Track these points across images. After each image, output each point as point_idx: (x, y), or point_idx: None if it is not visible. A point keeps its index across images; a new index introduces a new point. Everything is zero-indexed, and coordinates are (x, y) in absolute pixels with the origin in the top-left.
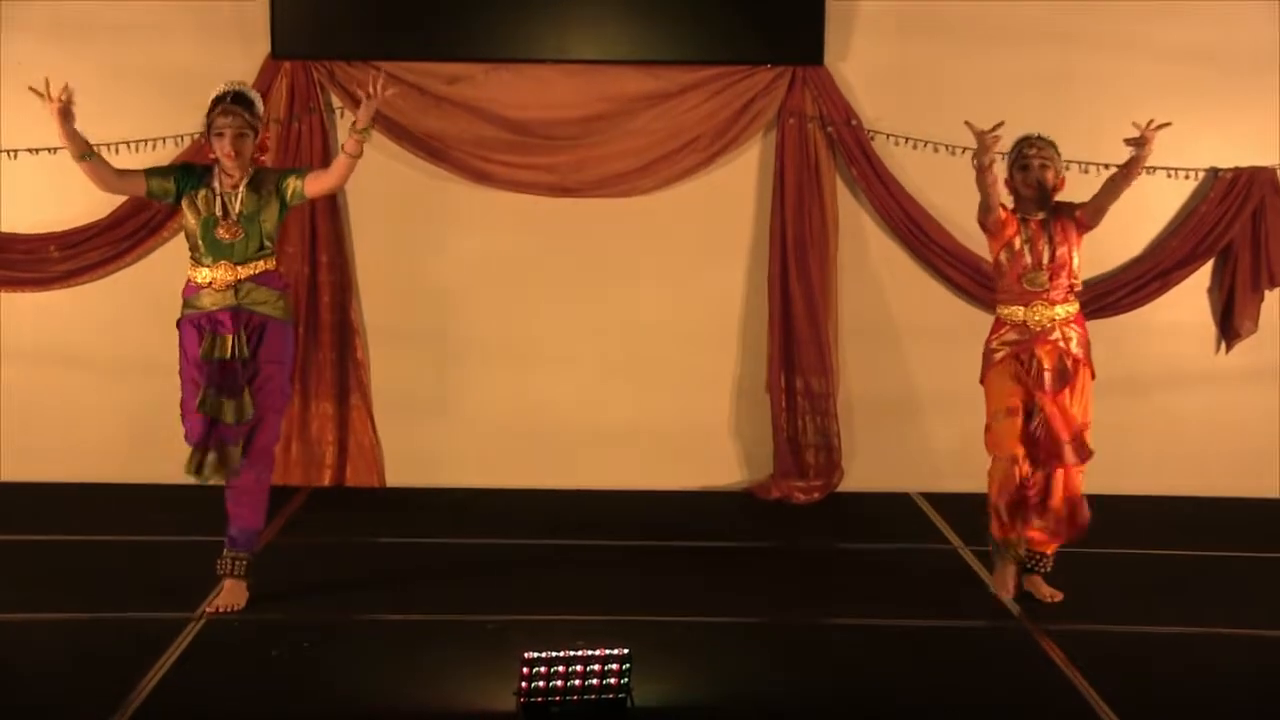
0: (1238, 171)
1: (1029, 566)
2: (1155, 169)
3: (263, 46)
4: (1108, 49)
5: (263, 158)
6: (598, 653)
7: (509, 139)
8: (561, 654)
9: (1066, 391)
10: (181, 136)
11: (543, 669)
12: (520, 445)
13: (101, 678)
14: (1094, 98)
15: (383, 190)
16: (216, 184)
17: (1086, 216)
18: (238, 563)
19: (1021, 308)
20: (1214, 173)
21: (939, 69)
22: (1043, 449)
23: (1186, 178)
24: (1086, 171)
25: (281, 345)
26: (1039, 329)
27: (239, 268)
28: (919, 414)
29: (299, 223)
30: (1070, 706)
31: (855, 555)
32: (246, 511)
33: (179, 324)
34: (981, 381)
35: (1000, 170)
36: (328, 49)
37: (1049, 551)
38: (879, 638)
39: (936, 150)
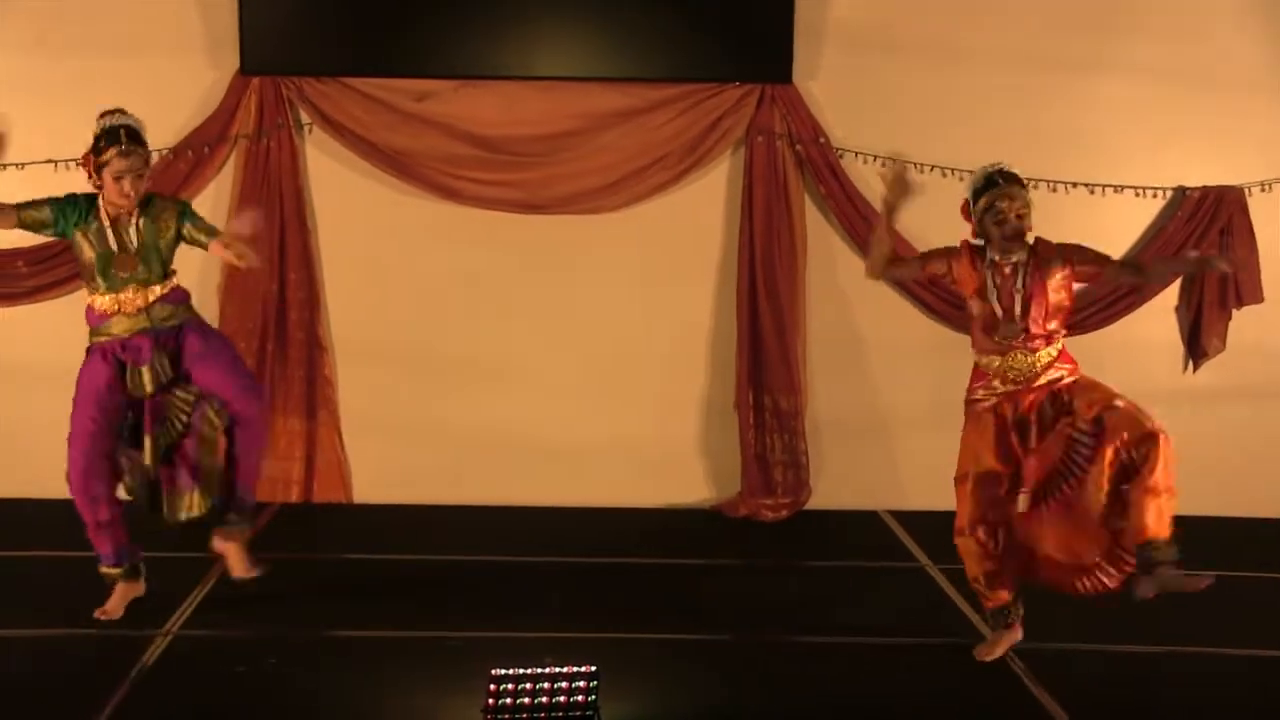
0: (1205, 190)
1: (1145, 563)
2: (1123, 188)
3: (232, 62)
4: (1076, 68)
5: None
6: (565, 670)
7: (477, 155)
8: (529, 672)
9: (1079, 413)
10: (151, 152)
11: (510, 686)
12: (488, 461)
13: (67, 695)
14: (1063, 116)
15: (351, 207)
16: (105, 215)
17: (1092, 272)
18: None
19: (998, 357)
20: (1182, 191)
21: (908, 88)
22: (1014, 557)
23: (1154, 196)
24: (1054, 190)
25: (206, 334)
26: (1020, 378)
27: (147, 290)
28: (887, 432)
29: (268, 239)
30: None
31: (823, 573)
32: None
33: (89, 350)
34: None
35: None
36: (297, 65)
37: (1149, 536)
38: (846, 656)
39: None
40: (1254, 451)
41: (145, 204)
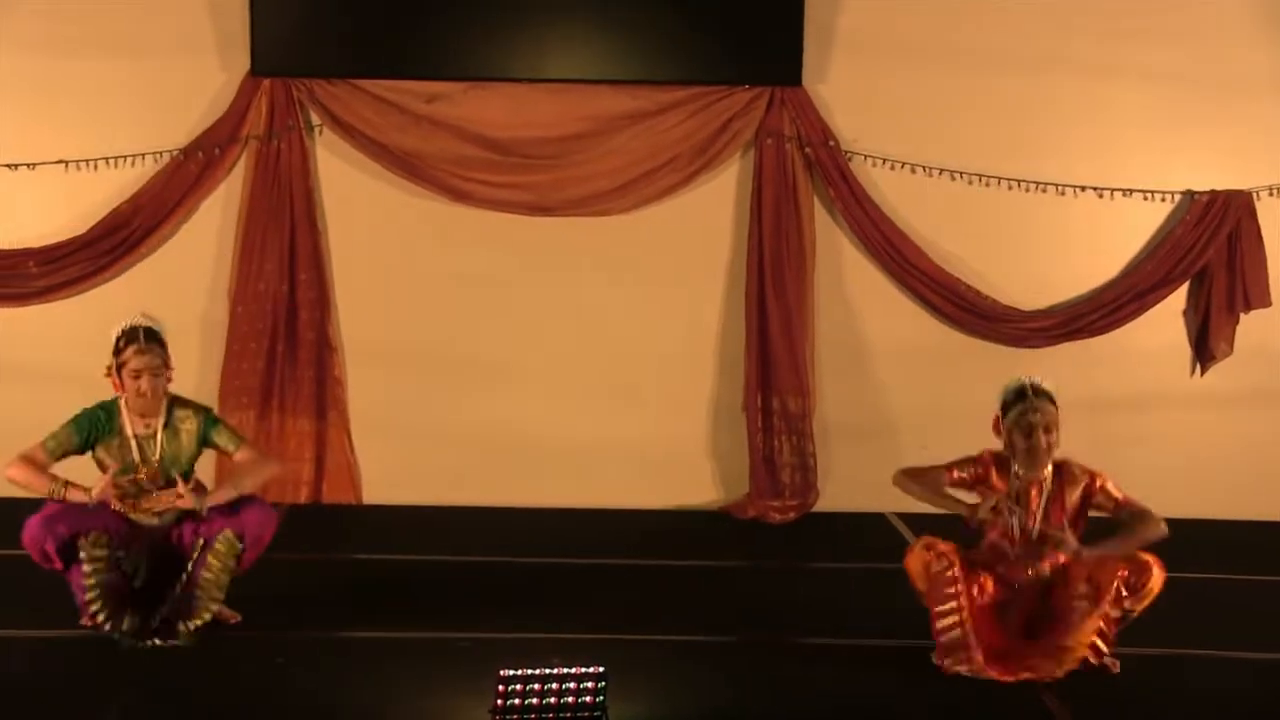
0: (1213, 195)
1: None
2: (1132, 191)
3: (242, 63)
4: (1084, 72)
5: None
6: (573, 671)
7: (487, 158)
8: (537, 672)
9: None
10: (160, 153)
11: (518, 687)
12: (497, 463)
13: (74, 695)
14: (1071, 121)
15: (361, 208)
16: (129, 428)
17: (1107, 508)
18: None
19: (1001, 565)
20: (1190, 196)
21: (917, 91)
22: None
23: (1163, 200)
24: (1063, 194)
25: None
26: (1018, 582)
27: (160, 501)
28: (895, 434)
29: (278, 241)
30: None
31: (830, 575)
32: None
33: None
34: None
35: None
36: (307, 67)
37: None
38: (853, 658)
39: (914, 172)
40: (1262, 455)
41: (169, 415)
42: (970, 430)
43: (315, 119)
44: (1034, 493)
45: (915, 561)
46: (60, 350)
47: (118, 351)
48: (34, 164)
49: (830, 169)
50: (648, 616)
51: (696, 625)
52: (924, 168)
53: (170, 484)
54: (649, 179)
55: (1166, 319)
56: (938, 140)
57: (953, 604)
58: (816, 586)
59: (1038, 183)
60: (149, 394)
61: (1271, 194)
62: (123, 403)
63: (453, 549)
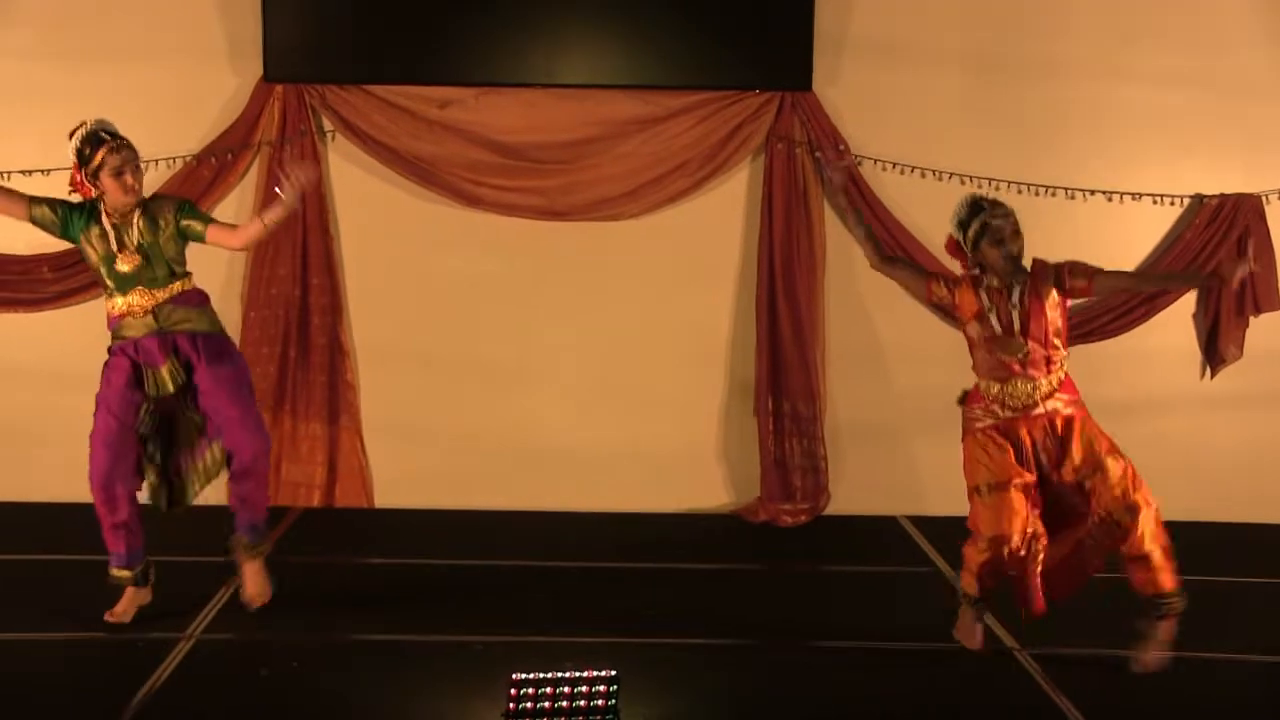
0: (1223, 198)
1: (1158, 615)
2: (1141, 195)
3: (255, 69)
4: (1093, 76)
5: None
6: (585, 674)
7: (499, 162)
8: (549, 675)
9: (1069, 461)
10: (174, 159)
11: (530, 690)
12: (509, 467)
13: (91, 698)
14: (1080, 124)
15: (374, 213)
16: (105, 220)
17: (1083, 285)
18: (251, 548)
19: (998, 383)
20: (1199, 199)
21: (926, 95)
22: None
23: (1172, 204)
24: (1073, 198)
25: (218, 345)
26: (1020, 405)
27: (155, 292)
28: (905, 437)
29: (291, 245)
30: None
31: (842, 578)
32: (246, 514)
33: (110, 350)
34: (962, 443)
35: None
36: (320, 72)
37: (1165, 589)
38: (865, 660)
39: (923, 176)
40: (1273, 458)
41: (145, 205)
42: None
43: (327, 124)
44: (1005, 294)
45: (975, 556)
46: (74, 356)
47: (87, 159)
48: (49, 170)
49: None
50: (659, 620)
51: (708, 628)
52: (934, 172)
53: (152, 275)
54: (660, 184)
55: (1176, 322)
56: (947, 144)
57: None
58: (828, 589)
59: (1047, 186)
60: (136, 188)
61: None
62: (102, 201)
63: (465, 553)
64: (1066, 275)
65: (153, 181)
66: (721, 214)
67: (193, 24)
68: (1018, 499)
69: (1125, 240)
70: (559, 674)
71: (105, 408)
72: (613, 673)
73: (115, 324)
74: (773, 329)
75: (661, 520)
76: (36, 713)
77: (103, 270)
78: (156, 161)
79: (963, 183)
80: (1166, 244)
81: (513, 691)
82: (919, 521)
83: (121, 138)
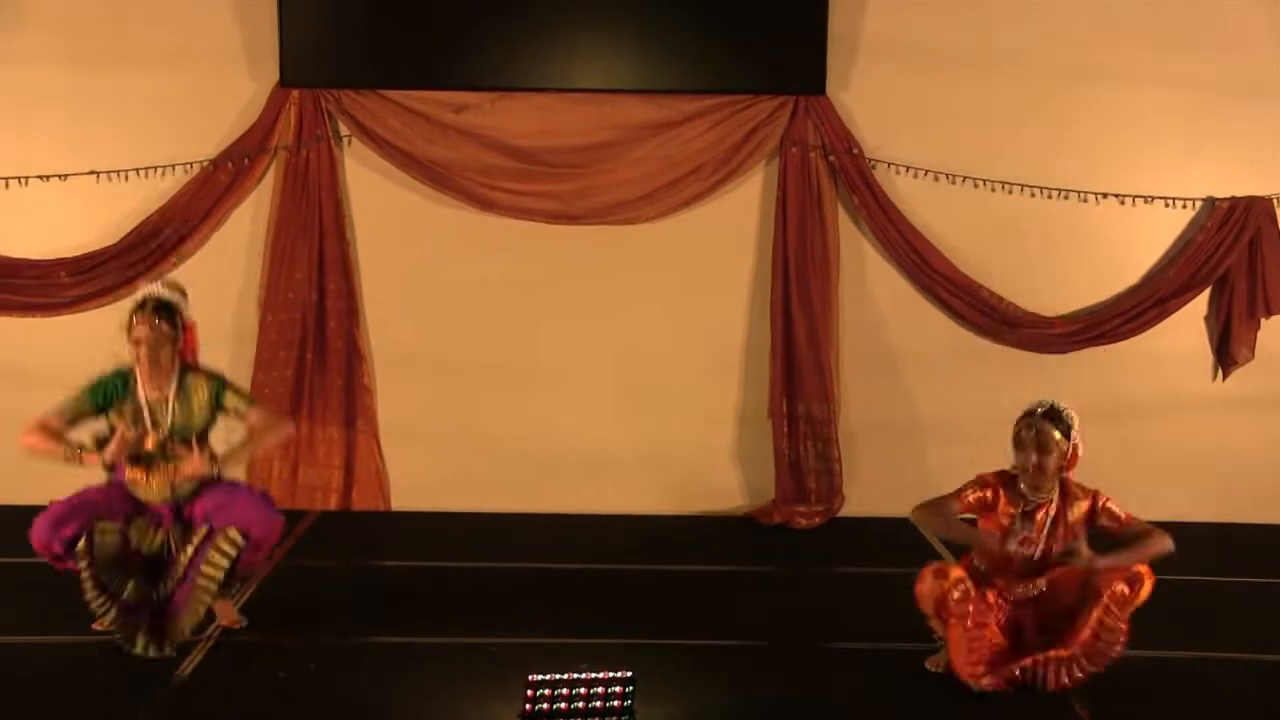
0: (1235, 201)
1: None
2: (1153, 198)
3: (271, 74)
4: (1106, 79)
5: (189, 354)
6: (601, 675)
7: (514, 167)
8: (566, 676)
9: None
10: (191, 163)
11: (547, 691)
12: (525, 470)
13: (107, 700)
14: (1094, 127)
15: (389, 217)
16: (141, 394)
17: (1104, 528)
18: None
19: (1000, 580)
20: (1211, 202)
21: (940, 98)
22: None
23: (1184, 207)
24: (1085, 201)
25: (223, 485)
26: (1015, 598)
27: (175, 466)
28: (919, 439)
29: (307, 250)
30: None
31: (856, 579)
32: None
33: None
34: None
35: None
36: (336, 78)
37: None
38: (880, 662)
39: (937, 179)
40: None
41: (180, 381)
42: (993, 435)
43: (344, 129)
44: (1040, 513)
45: (927, 589)
46: (89, 361)
47: (130, 315)
48: (66, 175)
49: (854, 176)
50: (675, 621)
51: (723, 630)
52: (947, 175)
53: (178, 457)
54: (674, 187)
55: (1188, 324)
56: (960, 147)
57: (967, 637)
58: (842, 591)
59: (1060, 189)
60: (146, 364)
61: None
62: (140, 376)
63: (481, 555)
64: (1102, 514)
65: (170, 185)
66: (736, 218)
67: (210, 29)
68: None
69: (1137, 243)
70: (575, 675)
71: (86, 489)
72: (628, 674)
73: (127, 481)
74: (787, 332)
75: (676, 522)
76: (55, 715)
77: (127, 448)
78: (174, 166)
79: (976, 186)
80: (1178, 246)
81: (529, 692)
82: None
83: (159, 315)
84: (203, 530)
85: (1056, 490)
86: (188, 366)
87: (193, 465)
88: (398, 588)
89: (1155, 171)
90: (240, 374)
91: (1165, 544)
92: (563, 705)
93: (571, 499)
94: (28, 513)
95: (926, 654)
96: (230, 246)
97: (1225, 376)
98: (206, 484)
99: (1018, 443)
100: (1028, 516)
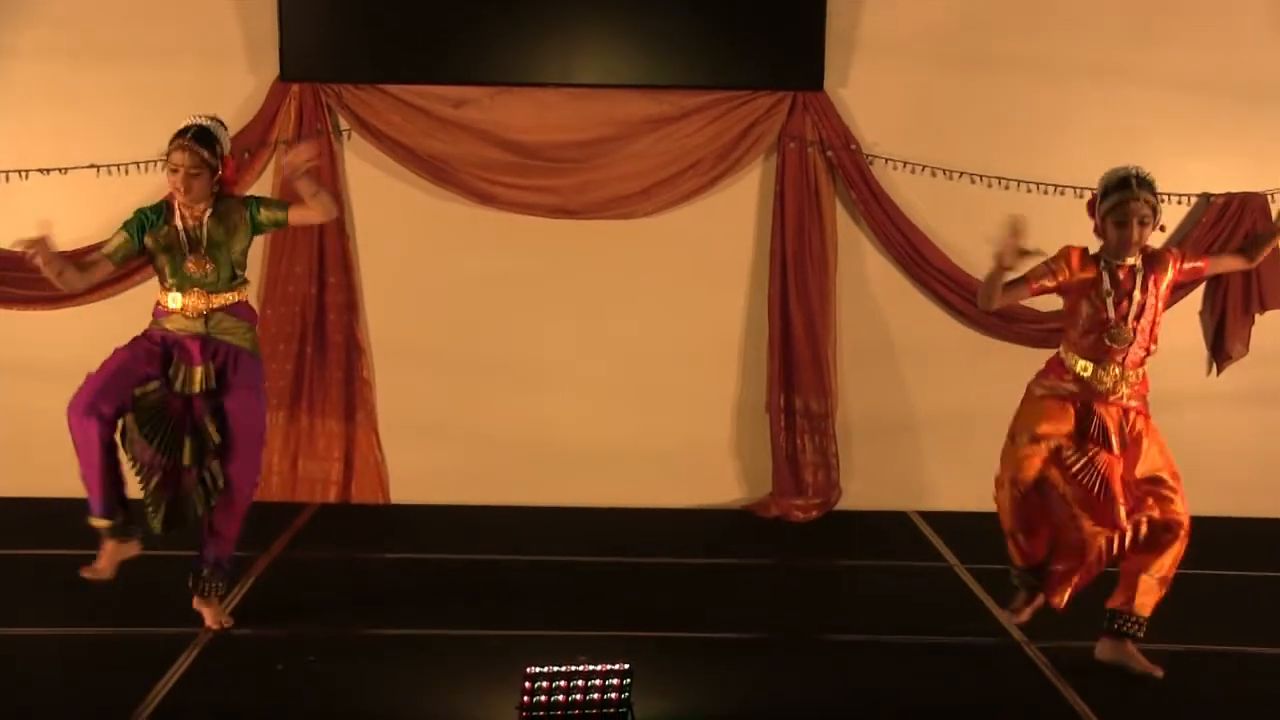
0: (1229, 197)
1: (1119, 630)
2: None
3: (271, 69)
4: (1103, 76)
5: (230, 190)
6: (599, 668)
7: (513, 161)
8: (563, 669)
9: (1141, 461)
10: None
11: (545, 684)
12: (523, 462)
13: (107, 693)
14: (1089, 124)
15: (389, 211)
16: (178, 219)
17: (1189, 269)
18: (210, 585)
19: (1092, 364)
20: (1206, 198)
21: (937, 95)
22: (1098, 508)
23: (1179, 203)
24: (1081, 196)
25: (253, 373)
26: (1103, 390)
27: (212, 297)
28: (916, 434)
29: (307, 244)
30: None
31: (853, 573)
32: (215, 547)
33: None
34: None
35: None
36: (336, 72)
37: (1135, 610)
38: (877, 654)
39: (934, 175)
40: (1275, 453)
41: (215, 206)
42: (991, 428)
43: (343, 123)
44: (1123, 275)
45: (1004, 495)
46: (91, 353)
47: (170, 145)
48: (66, 168)
49: (852, 172)
50: (672, 614)
51: (721, 623)
52: (944, 170)
53: (215, 278)
54: (673, 182)
55: (1183, 320)
56: (958, 143)
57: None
58: (840, 584)
59: (1056, 185)
60: (182, 190)
61: None
62: (176, 200)
63: (480, 548)
64: (1186, 268)
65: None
66: (734, 212)
67: (210, 24)
68: (1046, 452)
69: None
70: (573, 668)
71: (116, 353)
72: (626, 666)
73: (162, 315)
74: (785, 326)
75: (674, 516)
76: (56, 708)
77: (167, 268)
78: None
79: (973, 181)
80: (1174, 241)
81: (527, 685)
82: (930, 517)
83: (198, 142)
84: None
85: (1138, 254)
86: (221, 195)
87: (231, 294)
88: (396, 580)
89: (1151, 167)
90: None
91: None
92: (561, 698)
93: (570, 492)
94: (26, 505)
95: (924, 647)
96: None
97: (1220, 372)
98: (241, 352)
99: (1118, 215)
100: (1113, 279)
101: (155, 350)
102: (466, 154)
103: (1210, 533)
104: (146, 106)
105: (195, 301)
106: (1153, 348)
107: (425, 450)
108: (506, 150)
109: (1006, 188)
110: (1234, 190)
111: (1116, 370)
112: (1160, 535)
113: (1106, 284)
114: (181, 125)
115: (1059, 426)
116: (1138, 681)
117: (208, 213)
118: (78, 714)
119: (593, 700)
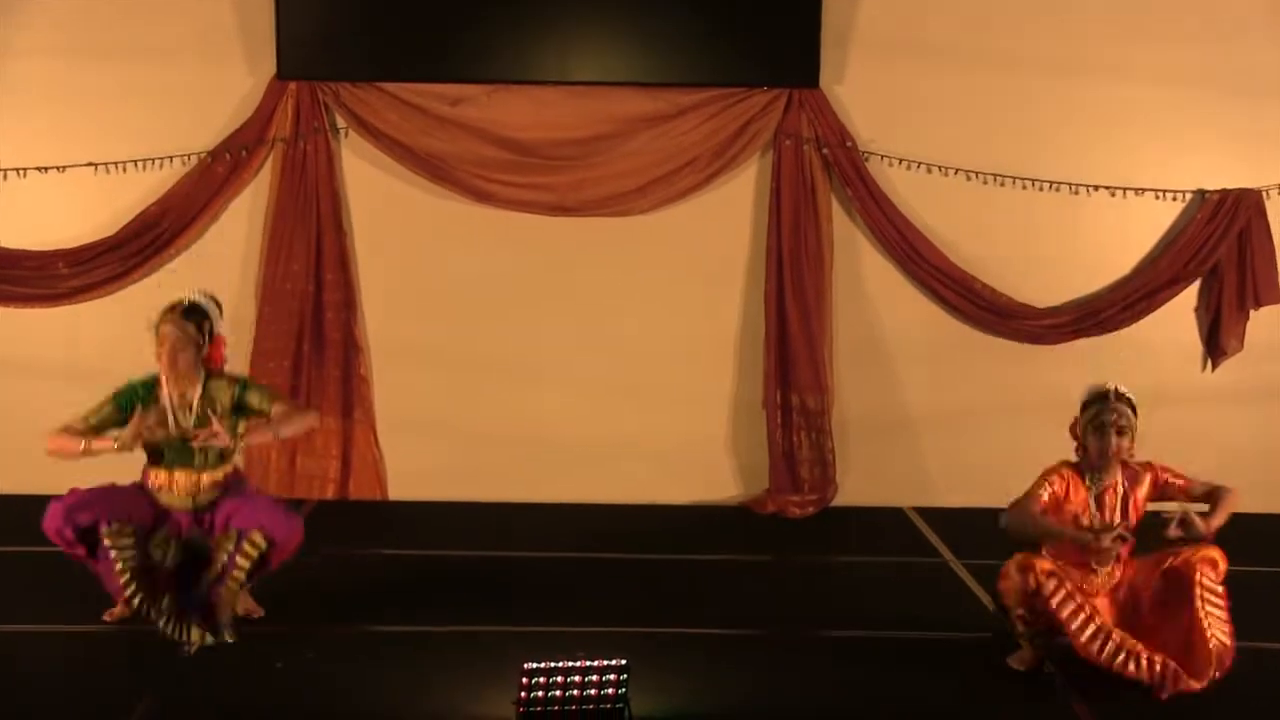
0: (1224, 193)
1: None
2: (1144, 191)
3: (269, 68)
4: (1097, 73)
5: (217, 368)
6: (596, 664)
7: (510, 159)
8: (560, 665)
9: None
10: (188, 155)
11: (542, 679)
12: (520, 459)
13: (106, 690)
14: (1084, 121)
15: (386, 209)
16: (165, 399)
17: (1181, 485)
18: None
19: (1077, 571)
20: (1201, 195)
21: (932, 92)
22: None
23: (1174, 199)
24: (1076, 193)
25: (242, 490)
26: (1092, 591)
27: (200, 474)
28: (912, 430)
29: (305, 242)
30: (1061, 718)
31: (849, 569)
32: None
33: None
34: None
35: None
36: (333, 70)
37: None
38: (872, 650)
39: (930, 171)
40: (1270, 449)
41: (205, 386)
42: (985, 424)
43: (340, 122)
44: (1109, 495)
45: (1013, 585)
46: (90, 350)
47: (160, 316)
48: (64, 167)
49: (847, 169)
50: (669, 610)
51: (717, 618)
52: (939, 167)
53: (202, 460)
54: (669, 180)
55: (1178, 316)
56: (953, 140)
57: (1082, 613)
58: (836, 580)
59: (1051, 182)
60: (167, 364)
61: None
62: (162, 374)
63: (476, 544)
64: (1165, 484)
65: (168, 177)
66: (730, 210)
67: (207, 23)
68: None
69: (1128, 235)
70: (570, 663)
71: (121, 496)
72: (623, 662)
73: (147, 486)
74: (781, 323)
75: (671, 512)
76: (55, 705)
77: (160, 448)
78: (171, 159)
79: (968, 178)
80: (1169, 238)
81: (524, 680)
82: (925, 513)
83: (186, 318)
84: (233, 533)
85: (1119, 470)
86: (211, 373)
87: (213, 434)
88: (394, 576)
89: (1146, 164)
90: (238, 365)
91: (1237, 496)
92: (557, 693)
93: (567, 488)
94: (23, 502)
95: (921, 642)
96: (228, 238)
97: (1215, 367)
98: (227, 490)
99: (1098, 427)
100: (1098, 501)
101: (147, 504)
102: (464, 152)
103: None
104: (145, 105)
105: (182, 479)
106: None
107: (423, 447)
108: (503, 148)
109: (1002, 184)
110: (1229, 186)
111: (1105, 575)
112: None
113: (1094, 505)
114: (174, 300)
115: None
116: (1134, 683)
117: (197, 394)
118: (77, 711)
119: (589, 695)
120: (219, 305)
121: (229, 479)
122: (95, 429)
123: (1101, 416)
